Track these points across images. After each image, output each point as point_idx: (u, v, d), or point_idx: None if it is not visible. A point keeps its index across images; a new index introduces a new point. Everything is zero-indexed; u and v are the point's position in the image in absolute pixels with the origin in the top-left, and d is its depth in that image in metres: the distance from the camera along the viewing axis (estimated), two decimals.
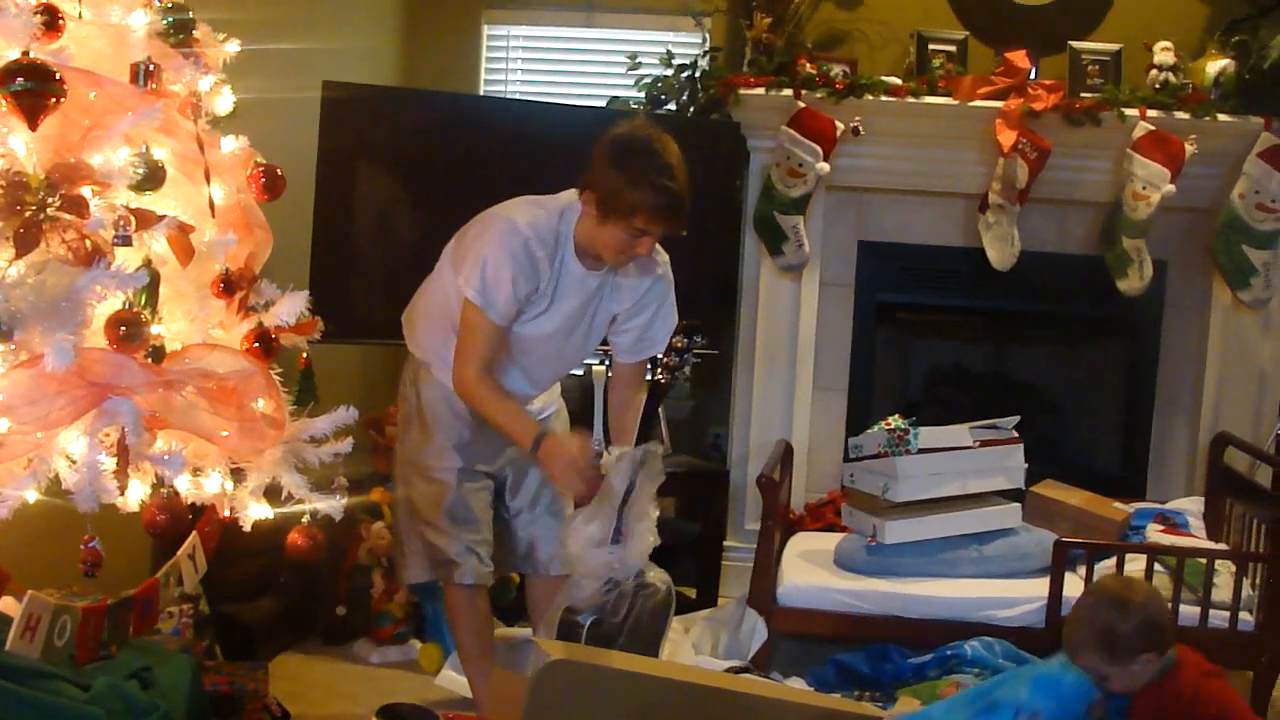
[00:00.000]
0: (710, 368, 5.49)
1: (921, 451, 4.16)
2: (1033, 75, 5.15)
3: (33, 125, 2.35)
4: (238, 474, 2.89)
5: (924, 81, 5.16)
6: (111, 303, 2.44)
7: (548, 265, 3.36)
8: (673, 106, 5.43)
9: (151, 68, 2.66)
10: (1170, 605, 3.70)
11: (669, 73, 5.44)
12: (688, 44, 5.63)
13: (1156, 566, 3.98)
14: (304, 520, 3.01)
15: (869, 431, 4.32)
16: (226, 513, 2.93)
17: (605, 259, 3.38)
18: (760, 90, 5.13)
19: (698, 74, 5.42)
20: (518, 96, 5.89)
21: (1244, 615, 3.97)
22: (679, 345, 3.15)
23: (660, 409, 5.00)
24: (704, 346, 5.10)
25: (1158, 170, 4.94)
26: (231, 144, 2.96)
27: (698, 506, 5.17)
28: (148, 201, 2.60)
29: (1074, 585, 4.00)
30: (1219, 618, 3.95)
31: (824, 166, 5.05)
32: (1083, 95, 5.16)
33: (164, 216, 2.61)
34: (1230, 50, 5.11)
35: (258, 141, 3.03)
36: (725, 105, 5.27)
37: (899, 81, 5.15)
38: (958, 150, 5.22)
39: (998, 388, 5.82)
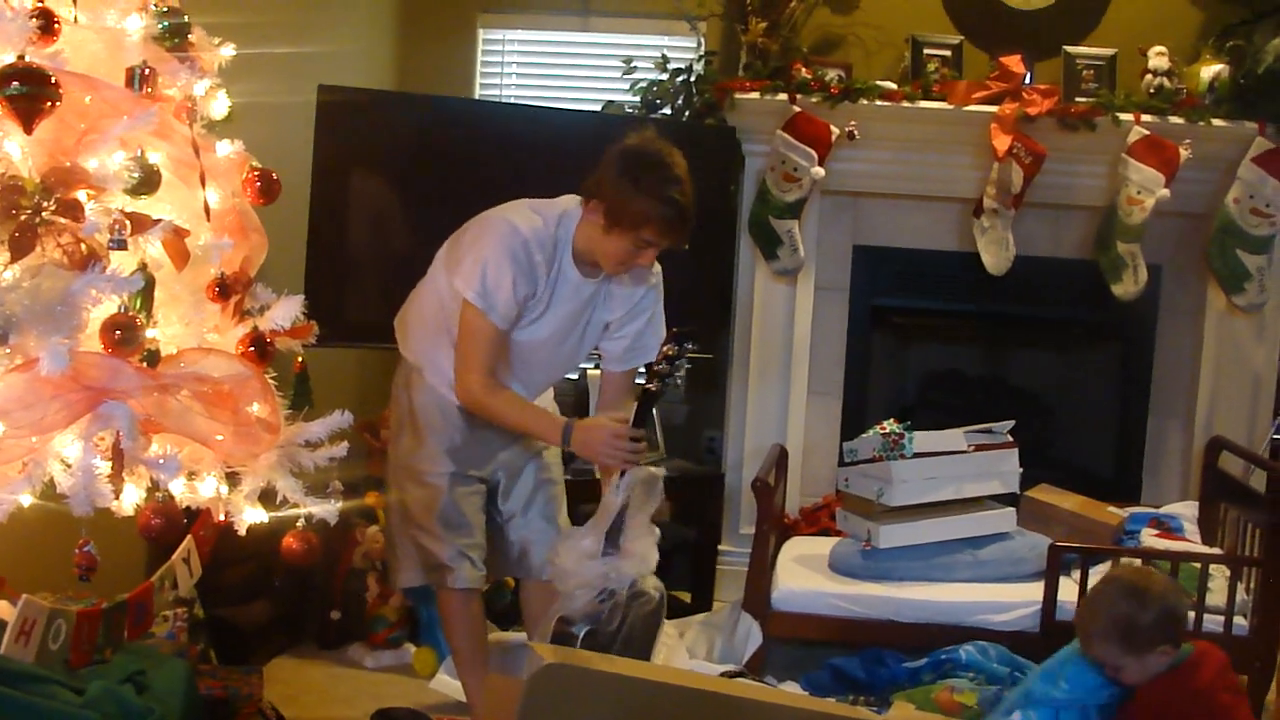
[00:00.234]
0: (705, 372, 5.49)
1: (916, 456, 4.16)
2: (1027, 80, 5.16)
3: (28, 129, 2.35)
4: (233, 478, 2.89)
5: (919, 86, 5.16)
6: (106, 307, 2.43)
7: (545, 270, 3.36)
8: (668, 111, 5.43)
9: (147, 72, 2.66)
10: None
11: (664, 77, 5.43)
12: (683, 48, 5.63)
13: None
14: (299, 524, 3.01)
15: (864, 436, 4.32)
16: (221, 517, 2.93)
17: (604, 267, 3.39)
18: (755, 95, 5.14)
19: (693, 78, 5.41)
20: (513, 100, 5.89)
21: (1238, 620, 3.98)
22: (670, 353, 3.15)
23: (655, 413, 5.02)
24: (697, 351, 5.12)
25: (1152, 175, 4.95)
26: (227, 148, 2.95)
27: (692, 511, 5.16)
28: (143, 205, 2.60)
29: (1068, 590, 4.01)
30: (1213, 622, 3.95)
31: (819, 171, 5.05)
32: (1077, 100, 5.16)
33: (159, 220, 2.61)
34: (1225, 55, 5.12)
35: (253, 145, 3.03)
36: (720, 110, 5.26)
37: (894, 86, 5.16)
38: (952, 155, 5.23)
39: (993, 392, 5.83)
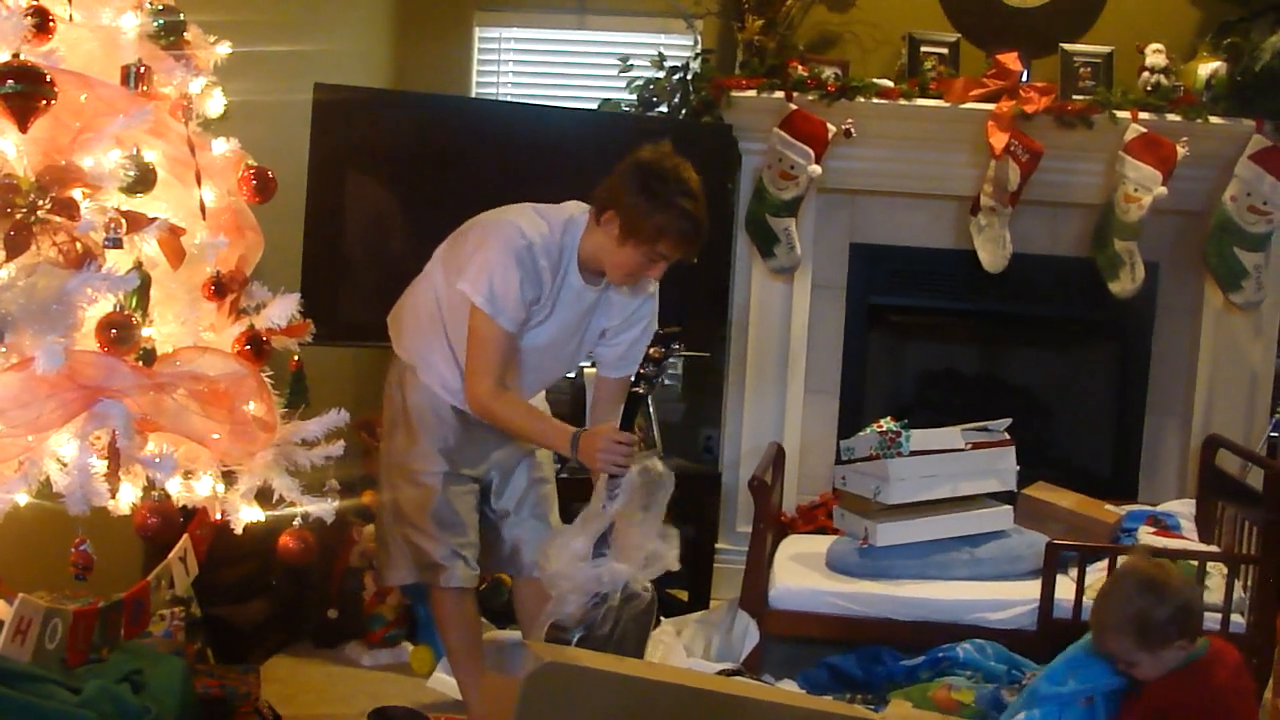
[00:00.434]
0: (702, 370, 5.49)
1: (913, 454, 4.16)
2: (1024, 77, 5.15)
3: (23, 128, 2.35)
4: (229, 477, 2.89)
5: (916, 84, 5.16)
6: (102, 305, 2.43)
7: (550, 276, 3.36)
8: (664, 109, 5.43)
9: (142, 70, 2.66)
10: None
11: (661, 75, 5.43)
12: (679, 46, 5.63)
13: None
14: (295, 523, 3.00)
15: (860, 434, 4.32)
16: (218, 516, 2.93)
17: (611, 278, 3.40)
18: (752, 92, 5.14)
19: (689, 76, 5.41)
20: (509, 99, 5.88)
21: (1235, 617, 3.98)
22: (656, 355, 3.15)
23: (652, 413, 5.02)
24: (694, 350, 5.13)
25: (1149, 173, 4.95)
26: (223, 146, 2.95)
27: (690, 509, 5.14)
28: (139, 204, 2.60)
29: (1066, 588, 4.01)
30: (1211, 620, 3.92)
31: (815, 169, 5.05)
32: (1074, 98, 5.15)
33: (155, 219, 2.61)
34: (1222, 53, 5.12)
35: (249, 144, 3.03)
36: (717, 108, 5.26)
37: (891, 84, 5.16)
38: (949, 152, 5.23)
39: (989, 390, 5.83)
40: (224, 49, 2.97)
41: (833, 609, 4.10)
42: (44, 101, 2.35)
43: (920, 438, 4.19)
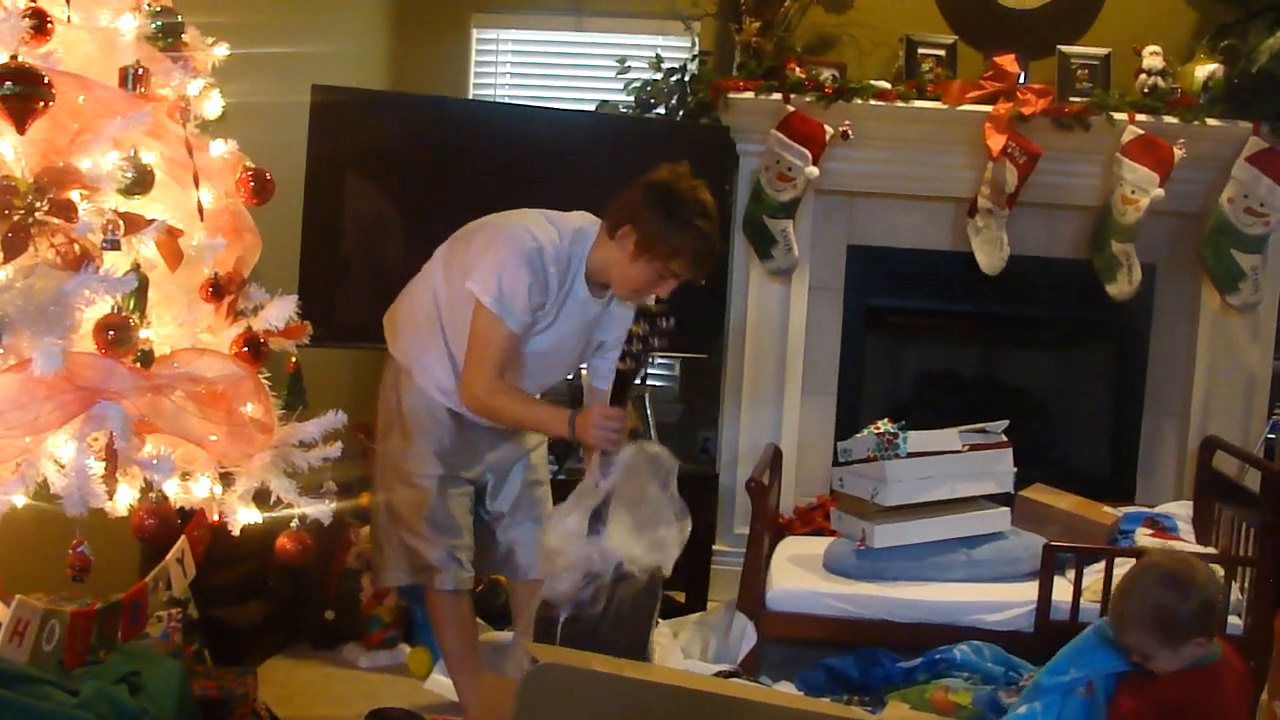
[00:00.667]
0: (699, 372, 5.49)
1: (910, 455, 4.16)
2: (1022, 79, 5.15)
3: (21, 129, 2.34)
4: (226, 478, 2.88)
5: (913, 86, 5.17)
6: (100, 307, 2.43)
7: (557, 284, 3.36)
8: (662, 110, 5.43)
9: (140, 71, 2.66)
10: None
11: (658, 77, 5.43)
12: (677, 48, 5.63)
13: None
14: (293, 525, 3.00)
15: (858, 435, 4.32)
16: (215, 517, 2.92)
17: (619, 292, 3.40)
18: (749, 94, 5.14)
19: (687, 78, 5.42)
20: (507, 100, 5.88)
21: (1233, 619, 3.98)
22: (640, 331, 3.13)
23: (649, 413, 5.03)
24: (685, 350, 5.13)
25: (1146, 174, 4.95)
26: (220, 148, 2.95)
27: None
28: (136, 205, 2.60)
29: (1063, 590, 4.02)
30: None
31: (813, 170, 5.05)
32: (1072, 100, 5.16)
33: (153, 220, 2.61)
34: (1219, 55, 5.13)
35: (247, 145, 3.03)
36: (714, 109, 5.27)
37: (888, 86, 5.17)
38: (947, 154, 5.24)
39: (987, 392, 5.83)
40: (222, 50, 2.96)
41: (830, 611, 4.10)
42: (42, 103, 2.35)
43: (918, 439, 4.19)
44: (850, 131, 5.09)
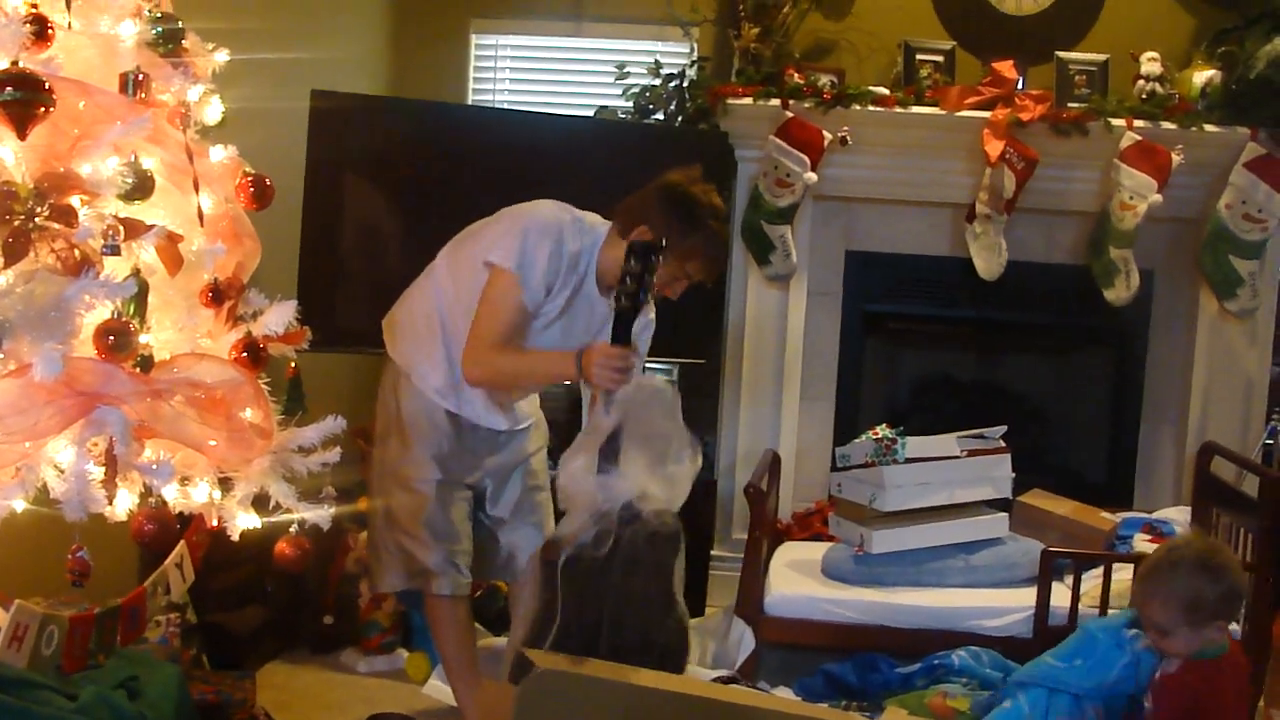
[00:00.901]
0: (698, 377, 5.49)
1: (909, 461, 4.17)
2: (1020, 85, 5.16)
3: (21, 135, 2.34)
4: (226, 483, 2.88)
5: (911, 91, 5.17)
6: (100, 312, 2.43)
7: (571, 267, 3.38)
8: (660, 116, 5.43)
9: (140, 77, 2.66)
10: None
11: (657, 82, 5.44)
12: (676, 54, 5.63)
13: None
14: (292, 529, 3.00)
15: (856, 441, 4.32)
16: (214, 522, 2.92)
17: None
18: (748, 100, 5.15)
19: (685, 84, 5.42)
20: (506, 106, 5.89)
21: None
22: (633, 269, 3.04)
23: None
24: (686, 356, 5.12)
25: (1145, 180, 4.96)
26: (220, 153, 2.95)
27: (685, 516, 5.13)
28: (136, 211, 2.59)
29: (1061, 595, 4.02)
30: None
31: (811, 176, 5.06)
32: (1070, 105, 5.17)
33: (153, 226, 2.61)
34: (1217, 61, 5.13)
35: (246, 151, 3.03)
36: (713, 115, 5.28)
37: (886, 91, 5.17)
38: (945, 160, 5.24)
39: (985, 397, 5.83)
40: (222, 56, 2.96)
41: (828, 616, 4.11)
42: (42, 109, 2.35)
43: (916, 445, 4.19)
44: (849, 137, 5.10)
